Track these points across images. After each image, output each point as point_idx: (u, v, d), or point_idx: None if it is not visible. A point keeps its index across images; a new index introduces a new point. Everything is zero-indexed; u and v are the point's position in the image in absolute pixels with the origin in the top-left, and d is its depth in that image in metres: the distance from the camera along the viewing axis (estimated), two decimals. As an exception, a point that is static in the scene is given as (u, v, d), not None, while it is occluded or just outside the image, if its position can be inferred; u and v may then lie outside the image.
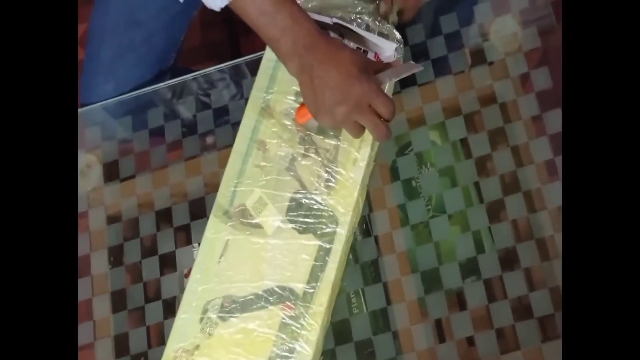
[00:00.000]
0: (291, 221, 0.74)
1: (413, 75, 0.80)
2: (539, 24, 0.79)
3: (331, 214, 0.73)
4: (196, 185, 0.85)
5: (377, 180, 0.79)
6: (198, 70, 0.91)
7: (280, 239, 0.74)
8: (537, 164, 0.74)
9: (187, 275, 0.80)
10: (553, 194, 0.73)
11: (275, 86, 0.78)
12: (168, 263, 0.84)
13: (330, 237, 0.73)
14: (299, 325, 0.71)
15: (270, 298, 0.72)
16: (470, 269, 0.74)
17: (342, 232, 0.73)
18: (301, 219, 0.74)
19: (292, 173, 0.75)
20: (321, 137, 0.76)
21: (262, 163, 0.76)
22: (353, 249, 0.77)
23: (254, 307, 0.72)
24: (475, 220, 0.75)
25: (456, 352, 0.72)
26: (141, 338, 0.81)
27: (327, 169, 0.74)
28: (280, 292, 0.72)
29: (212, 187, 0.83)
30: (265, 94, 0.78)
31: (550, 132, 0.75)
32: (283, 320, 0.71)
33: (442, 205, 0.76)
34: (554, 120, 0.75)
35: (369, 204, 0.79)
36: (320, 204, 0.74)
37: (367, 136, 0.74)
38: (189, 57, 1.13)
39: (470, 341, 0.72)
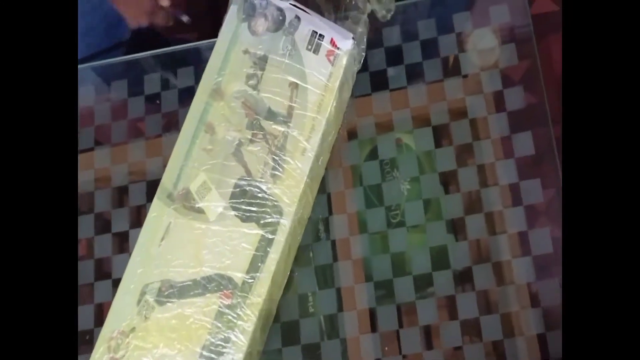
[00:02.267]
0: (234, 208, 0.71)
1: (385, 79, 0.78)
2: (518, 41, 0.77)
3: (276, 203, 0.70)
4: (156, 165, 0.82)
5: (339, 183, 0.76)
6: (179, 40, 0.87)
7: (222, 226, 0.70)
8: (502, 186, 0.72)
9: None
10: (515, 218, 0.71)
11: (227, 68, 0.74)
12: (121, 242, 0.81)
13: (273, 228, 0.69)
14: (235, 315, 0.68)
15: (209, 285, 0.69)
16: (424, 284, 0.72)
17: (286, 223, 0.69)
18: (245, 207, 0.70)
19: (238, 159, 0.72)
20: (270, 122, 0.72)
21: (209, 146, 0.72)
22: (308, 250, 0.75)
23: (192, 293, 0.69)
24: (434, 236, 0.73)
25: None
26: (88, 315, 0.78)
27: (275, 156, 0.71)
28: (218, 280, 0.69)
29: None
30: (217, 76, 0.74)
31: (517, 155, 0.73)
32: (220, 309, 0.68)
33: (402, 216, 0.74)
34: (523, 142, 0.73)
35: (329, 206, 0.76)
36: (265, 192, 0.70)
37: (318, 125, 0.71)
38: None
39: (418, 357, 0.71)
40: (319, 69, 0.72)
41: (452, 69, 0.78)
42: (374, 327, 0.72)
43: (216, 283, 0.69)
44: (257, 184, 0.71)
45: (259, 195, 0.70)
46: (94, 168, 0.83)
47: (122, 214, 0.82)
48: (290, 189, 0.70)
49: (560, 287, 0.69)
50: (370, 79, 0.79)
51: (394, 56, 0.80)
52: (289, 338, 0.73)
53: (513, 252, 0.71)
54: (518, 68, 0.75)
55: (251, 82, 0.73)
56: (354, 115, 0.78)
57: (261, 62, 0.73)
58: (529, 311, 0.70)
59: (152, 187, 0.79)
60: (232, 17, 0.75)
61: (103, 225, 0.82)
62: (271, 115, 0.72)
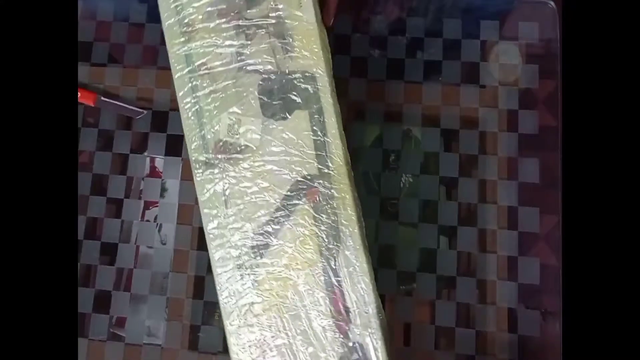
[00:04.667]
0: (272, 113, 0.63)
1: (402, 69, 0.76)
2: (542, 62, 0.76)
3: (306, 74, 0.63)
4: (163, 97, 0.79)
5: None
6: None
7: (271, 139, 0.63)
8: (500, 207, 0.72)
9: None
10: (507, 241, 0.71)
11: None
12: (122, 163, 0.78)
13: (316, 101, 0.63)
14: (330, 203, 0.62)
15: (291, 202, 0.62)
16: (408, 281, 0.72)
17: (324, 81, 0.63)
18: (280, 104, 0.63)
19: (247, 69, 0.64)
20: (254, 9, 0.64)
21: (213, 86, 0.64)
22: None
23: (282, 223, 0.63)
24: (426, 238, 0.72)
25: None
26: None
27: (280, 39, 0.63)
28: (296, 188, 0.63)
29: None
30: (176, 16, 0.66)
31: (521, 179, 0.73)
32: (313, 209, 0.62)
33: (395, 211, 0.73)
34: (529, 169, 0.73)
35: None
36: (289, 74, 0.63)
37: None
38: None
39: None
40: None
41: (470, 76, 0.76)
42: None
43: (295, 193, 0.63)
44: (279, 74, 0.63)
45: (285, 81, 0.64)
46: (103, 84, 0.79)
47: (126, 137, 0.78)
48: (309, 48, 0.63)
49: (541, 319, 0.70)
50: (387, 65, 0.77)
51: (414, 49, 0.78)
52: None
53: (500, 274, 0.71)
54: (538, 91, 0.75)
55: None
56: (364, 97, 0.76)
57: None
58: (505, 335, 0.70)
59: (157, 118, 0.76)
60: None
61: (106, 142, 0.78)
62: (251, 3, 0.65)
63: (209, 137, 0.64)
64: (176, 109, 0.74)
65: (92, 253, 0.75)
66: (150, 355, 0.73)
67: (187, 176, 0.75)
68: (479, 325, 0.70)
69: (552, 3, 0.75)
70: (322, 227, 0.62)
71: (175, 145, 0.76)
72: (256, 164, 0.63)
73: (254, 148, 0.63)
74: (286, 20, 0.63)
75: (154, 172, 0.78)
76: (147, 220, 0.76)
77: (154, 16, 0.78)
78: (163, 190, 0.77)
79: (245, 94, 0.64)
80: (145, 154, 0.77)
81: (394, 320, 0.71)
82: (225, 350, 0.72)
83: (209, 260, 0.71)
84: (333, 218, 0.62)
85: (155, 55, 0.79)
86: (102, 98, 0.76)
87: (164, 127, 0.77)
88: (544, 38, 0.76)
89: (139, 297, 0.74)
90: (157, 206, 0.76)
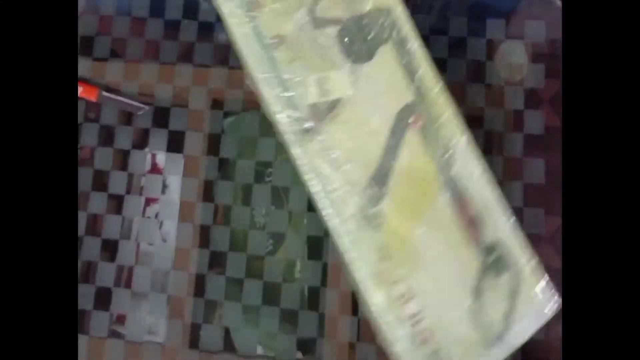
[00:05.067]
0: (355, 61, 0.61)
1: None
2: (549, 63, 0.75)
3: (380, 9, 0.61)
4: (165, 93, 0.77)
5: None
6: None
7: (365, 85, 0.61)
8: (505, 207, 0.71)
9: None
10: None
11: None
12: (123, 158, 0.78)
13: (396, 32, 0.61)
14: (435, 123, 0.61)
15: (395, 140, 0.60)
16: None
17: (398, 10, 0.61)
18: (361, 48, 0.61)
19: (321, 25, 0.61)
20: None
21: (291, 55, 0.61)
22: (302, 217, 0.73)
23: (389, 164, 0.60)
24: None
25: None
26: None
27: None
28: (399, 123, 0.61)
29: (181, 99, 0.76)
30: None
31: (526, 180, 0.72)
32: (422, 137, 0.61)
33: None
34: (535, 169, 0.72)
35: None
36: (364, 16, 0.61)
37: None
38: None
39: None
40: None
41: (476, 75, 0.75)
42: (354, 311, 0.71)
43: (399, 128, 0.61)
44: (353, 18, 0.61)
45: (361, 23, 0.61)
46: (105, 79, 0.78)
47: (127, 132, 0.77)
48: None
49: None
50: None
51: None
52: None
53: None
54: (543, 91, 0.74)
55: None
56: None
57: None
58: None
59: (159, 113, 0.75)
60: None
61: (106, 137, 0.78)
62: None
63: (300, 105, 0.61)
64: (179, 104, 0.74)
65: (93, 249, 0.75)
66: (151, 353, 0.72)
67: (189, 173, 0.74)
68: None
69: (559, 2, 0.74)
70: (434, 153, 0.61)
71: (177, 142, 0.75)
72: (355, 113, 0.61)
73: (348, 99, 0.61)
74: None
75: (155, 169, 0.77)
76: (148, 217, 0.76)
77: (156, 10, 0.77)
78: (164, 186, 0.76)
79: (325, 51, 0.61)
80: (147, 149, 0.76)
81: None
82: (226, 349, 0.72)
83: (210, 257, 0.71)
84: (442, 137, 0.61)
85: (157, 50, 0.78)
86: (104, 93, 0.75)
87: (165, 123, 0.76)
88: (550, 37, 0.75)
89: (140, 295, 0.73)
90: (158, 203, 0.76)
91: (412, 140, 0.61)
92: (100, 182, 0.76)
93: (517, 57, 0.75)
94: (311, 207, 0.72)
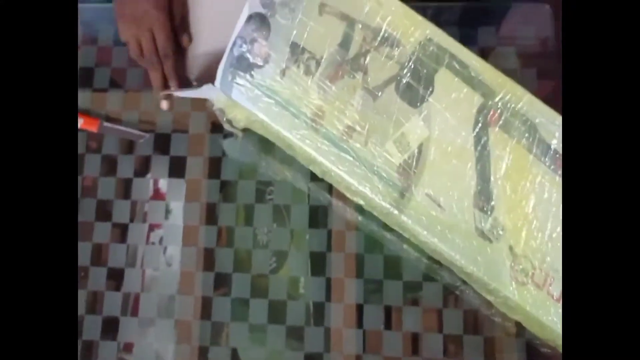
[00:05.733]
0: (422, 101, 0.65)
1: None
2: (540, 65, 0.76)
3: (423, 44, 0.65)
4: (165, 120, 0.78)
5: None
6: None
7: (437, 116, 0.65)
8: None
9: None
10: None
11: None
12: (125, 188, 0.78)
13: (441, 52, 0.65)
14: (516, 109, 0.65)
15: (482, 146, 0.64)
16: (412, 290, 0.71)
17: (436, 33, 0.66)
18: (422, 84, 0.65)
19: (377, 92, 0.65)
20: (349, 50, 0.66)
21: (364, 137, 0.65)
22: (304, 233, 0.73)
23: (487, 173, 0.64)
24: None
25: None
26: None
27: (380, 45, 0.66)
28: (479, 126, 0.64)
29: (181, 125, 0.77)
30: (296, 107, 0.66)
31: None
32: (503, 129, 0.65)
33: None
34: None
35: (330, 193, 0.74)
36: (409, 60, 0.66)
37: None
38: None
39: (396, 360, 0.70)
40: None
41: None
42: (359, 323, 0.71)
43: (482, 132, 0.64)
44: (403, 66, 0.66)
45: (409, 66, 0.65)
46: (105, 109, 0.79)
47: (129, 161, 0.78)
48: (404, 30, 0.66)
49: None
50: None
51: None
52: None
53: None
54: (537, 93, 0.74)
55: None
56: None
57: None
58: (511, 339, 0.70)
59: (160, 140, 0.76)
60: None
61: (109, 166, 0.78)
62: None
63: (388, 175, 0.64)
64: (179, 130, 0.74)
65: (99, 279, 0.74)
66: (160, 378, 0.72)
67: (191, 197, 0.75)
68: (487, 331, 0.70)
69: (547, 5, 0.75)
70: (520, 138, 0.64)
71: (179, 167, 0.76)
72: (439, 146, 0.64)
73: (428, 137, 0.65)
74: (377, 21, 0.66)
75: (157, 194, 0.77)
76: (152, 243, 0.76)
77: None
78: (167, 212, 0.76)
79: (391, 112, 0.65)
80: (149, 176, 0.77)
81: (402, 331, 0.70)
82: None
83: (215, 279, 0.71)
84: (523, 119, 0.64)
85: (124, 76, 0.80)
86: (105, 124, 0.76)
87: (166, 149, 0.76)
88: (540, 38, 0.76)
89: (147, 321, 0.73)
90: (161, 228, 0.76)
91: (496, 137, 0.64)
92: (103, 211, 0.76)
93: (509, 63, 0.76)
94: (312, 223, 0.73)
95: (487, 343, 0.69)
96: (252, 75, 0.65)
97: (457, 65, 0.65)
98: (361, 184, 0.64)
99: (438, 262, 0.69)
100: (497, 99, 0.64)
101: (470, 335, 0.70)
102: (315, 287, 0.72)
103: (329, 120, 0.64)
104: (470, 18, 0.79)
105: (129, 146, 0.78)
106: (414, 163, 0.64)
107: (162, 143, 0.77)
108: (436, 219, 0.63)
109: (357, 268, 0.72)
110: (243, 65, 0.65)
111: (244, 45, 0.65)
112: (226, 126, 0.71)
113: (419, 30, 0.65)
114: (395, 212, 0.63)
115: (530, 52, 0.77)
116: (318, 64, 0.65)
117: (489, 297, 0.65)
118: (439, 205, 0.63)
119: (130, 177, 0.77)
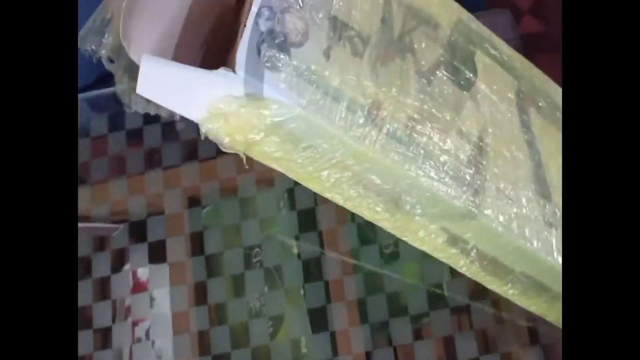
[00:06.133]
0: (469, 85, 0.58)
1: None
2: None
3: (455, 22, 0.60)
4: (139, 205, 0.76)
5: (331, 220, 0.73)
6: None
7: (486, 101, 0.59)
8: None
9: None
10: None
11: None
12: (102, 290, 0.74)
13: (477, 38, 0.61)
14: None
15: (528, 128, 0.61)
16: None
17: (467, 18, 0.61)
18: (467, 67, 0.58)
19: (430, 77, 0.56)
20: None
21: (428, 128, 0.53)
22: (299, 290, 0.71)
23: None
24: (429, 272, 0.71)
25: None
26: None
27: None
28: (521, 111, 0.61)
29: (155, 207, 0.75)
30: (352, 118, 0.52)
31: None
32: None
33: (396, 252, 0.71)
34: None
35: (321, 243, 0.72)
36: (447, 46, 0.58)
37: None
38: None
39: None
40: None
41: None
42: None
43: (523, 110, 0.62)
44: (446, 48, 0.59)
45: (451, 42, 0.59)
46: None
47: (104, 257, 0.75)
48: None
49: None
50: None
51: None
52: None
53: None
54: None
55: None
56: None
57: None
58: (527, 350, 0.68)
59: (135, 228, 0.73)
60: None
61: (83, 269, 0.75)
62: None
63: (459, 172, 0.55)
64: (154, 213, 0.73)
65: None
66: None
67: (176, 280, 0.73)
68: (502, 347, 0.68)
69: (508, 10, 0.79)
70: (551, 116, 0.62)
71: (159, 252, 0.74)
72: (495, 134, 0.58)
73: (485, 124, 0.58)
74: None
75: (139, 286, 0.74)
76: (139, 340, 0.71)
77: (115, 123, 0.78)
78: (152, 300, 0.73)
79: (447, 99, 0.56)
80: (127, 267, 0.74)
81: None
82: None
83: None
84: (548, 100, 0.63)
85: (123, 164, 0.78)
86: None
87: (143, 236, 0.74)
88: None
89: None
90: (146, 320, 0.72)
91: (535, 118, 0.61)
92: (83, 318, 0.73)
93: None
94: (307, 277, 0.71)
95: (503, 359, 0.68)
96: (290, 57, 0.48)
97: (490, 48, 0.61)
98: (433, 186, 0.53)
99: (440, 286, 0.67)
100: (526, 82, 0.62)
101: (486, 355, 0.68)
102: (319, 344, 0.70)
103: (389, 111, 0.52)
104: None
105: (101, 242, 0.75)
106: (479, 154, 0.56)
107: (137, 230, 0.75)
108: (510, 214, 0.56)
109: (360, 314, 0.70)
110: (277, 44, 0.48)
111: (275, 17, 0.49)
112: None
113: (450, 9, 0.60)
114: (475, 211, 0.55)
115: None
116: (365, 42, 0.53)
117: (533, 301, 0.62)
118: (510, 199, 0.57)
119: (108, 274, 0.74)
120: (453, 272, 0.70)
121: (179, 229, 0.74)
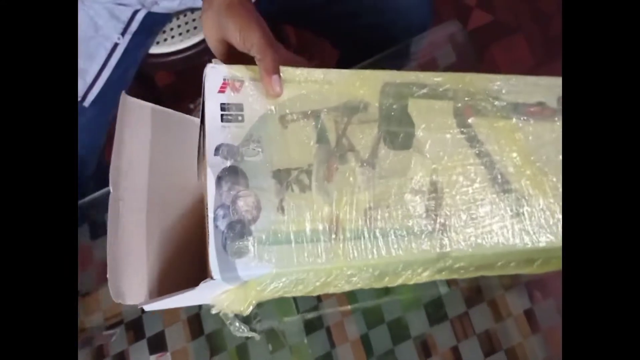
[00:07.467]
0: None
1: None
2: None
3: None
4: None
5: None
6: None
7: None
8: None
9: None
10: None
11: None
12: None
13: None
14: None
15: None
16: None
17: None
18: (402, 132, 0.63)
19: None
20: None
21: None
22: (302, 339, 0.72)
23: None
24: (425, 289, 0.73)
25: None
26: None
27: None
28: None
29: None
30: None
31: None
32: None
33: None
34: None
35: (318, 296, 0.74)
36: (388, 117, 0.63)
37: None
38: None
39: None
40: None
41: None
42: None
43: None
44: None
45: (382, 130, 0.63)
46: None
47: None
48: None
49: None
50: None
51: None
52: None
53: (503, 283, 0.71)
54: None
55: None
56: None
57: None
58: (530, 340, 0.70)
59: (131, 328, 0.76)
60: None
61: None
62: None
63: (419, 228, 0.59)
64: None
65: None
66: None
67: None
68: (505, 343, 0.70)
69: (457, 21, 0.84)
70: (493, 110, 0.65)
71: (159, 344, 0.74)
72: (445, 166, 0.62)
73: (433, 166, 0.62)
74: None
75: (146, 382, 0.74)
76: None
77: (97, 231, 0.79)
78: (163, 393, 0.73)
79: (392, 170, 0.61)
80: (130, 367, 0.74)
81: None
82: None
83: None
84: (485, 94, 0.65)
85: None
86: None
87: (141, 332, 0.75)
88: (461, 55, 0.83)
89: None
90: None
91: (478, 123, 0.64)
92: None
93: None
94: (308, 330, 0.72)
95: (509, 354, 0.70)
96: (252, 236, 0.55)
97: (418, 90, 0.64)
98: (406, 253, 0.58)
99: (440, 300, 0.70)
100: (461, 95, 0.65)
101: (492, 355, 0.70)
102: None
103: (346, 218, 0.58)
104: (395, 63, 0.85)
105: (99, 352, 0.75)
106: (435, 196, 0.60)
107: (135, 328, 0.75)
108: (478, 233, 0.60)
109: (365, 349, 0.71)
110: (237, 232, 0.55)
111: (229, 211, 0.55)
112: (238, 332, 0.65)
113: (373, 81, 0.64)
114: (447, 249, 0.59)
115: (452, 63, 0.84)
116: (309, 172, 0.59)
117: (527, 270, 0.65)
118: (474, 219, 0.60)
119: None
120: (449, 283, 0.73)
121: (175, 316, 0.75)
